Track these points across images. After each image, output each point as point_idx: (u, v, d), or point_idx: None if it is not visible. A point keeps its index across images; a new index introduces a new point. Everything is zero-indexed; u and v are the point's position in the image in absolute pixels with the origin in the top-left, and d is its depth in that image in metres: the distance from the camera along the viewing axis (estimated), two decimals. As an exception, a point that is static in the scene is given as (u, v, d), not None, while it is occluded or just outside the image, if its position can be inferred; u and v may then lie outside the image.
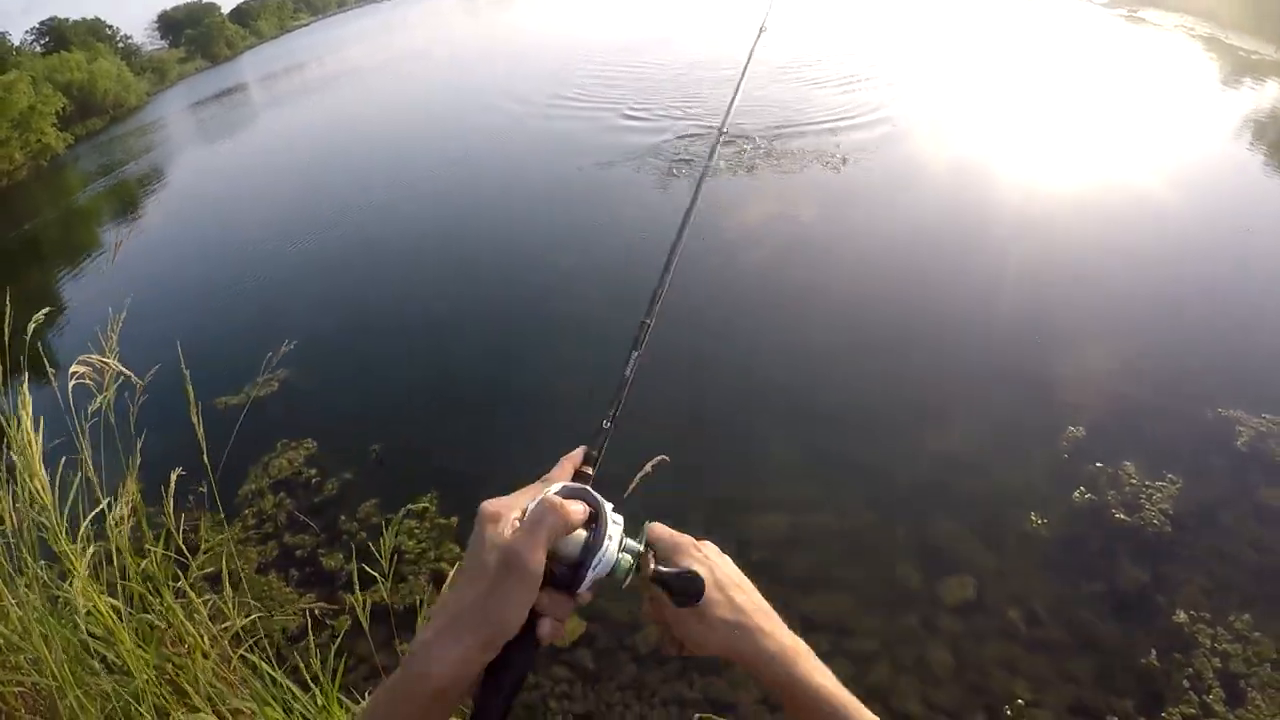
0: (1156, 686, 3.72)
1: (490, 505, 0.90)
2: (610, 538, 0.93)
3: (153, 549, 3.43)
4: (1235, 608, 3.97)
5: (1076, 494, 4.60)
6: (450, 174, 11.20)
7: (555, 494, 0.92)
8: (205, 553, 4.44)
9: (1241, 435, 4.86)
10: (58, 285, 9.58)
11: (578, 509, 0.91)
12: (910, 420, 5.33)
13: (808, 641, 3.49)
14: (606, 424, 1.13)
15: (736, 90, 1.80)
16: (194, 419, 2.81)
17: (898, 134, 9.80)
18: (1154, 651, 3.83)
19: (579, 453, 1.07)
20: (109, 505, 3.41)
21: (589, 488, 0.97)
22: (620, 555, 0.94)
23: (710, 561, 1.05)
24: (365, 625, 2.79)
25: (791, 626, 3.71)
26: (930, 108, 10.88)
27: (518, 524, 0.88)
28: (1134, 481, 4.60)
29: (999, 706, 3.70)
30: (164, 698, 2.81)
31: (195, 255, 9.62)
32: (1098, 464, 4.75)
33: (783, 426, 5.43)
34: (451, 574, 0.99)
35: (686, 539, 1.07)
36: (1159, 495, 4.51)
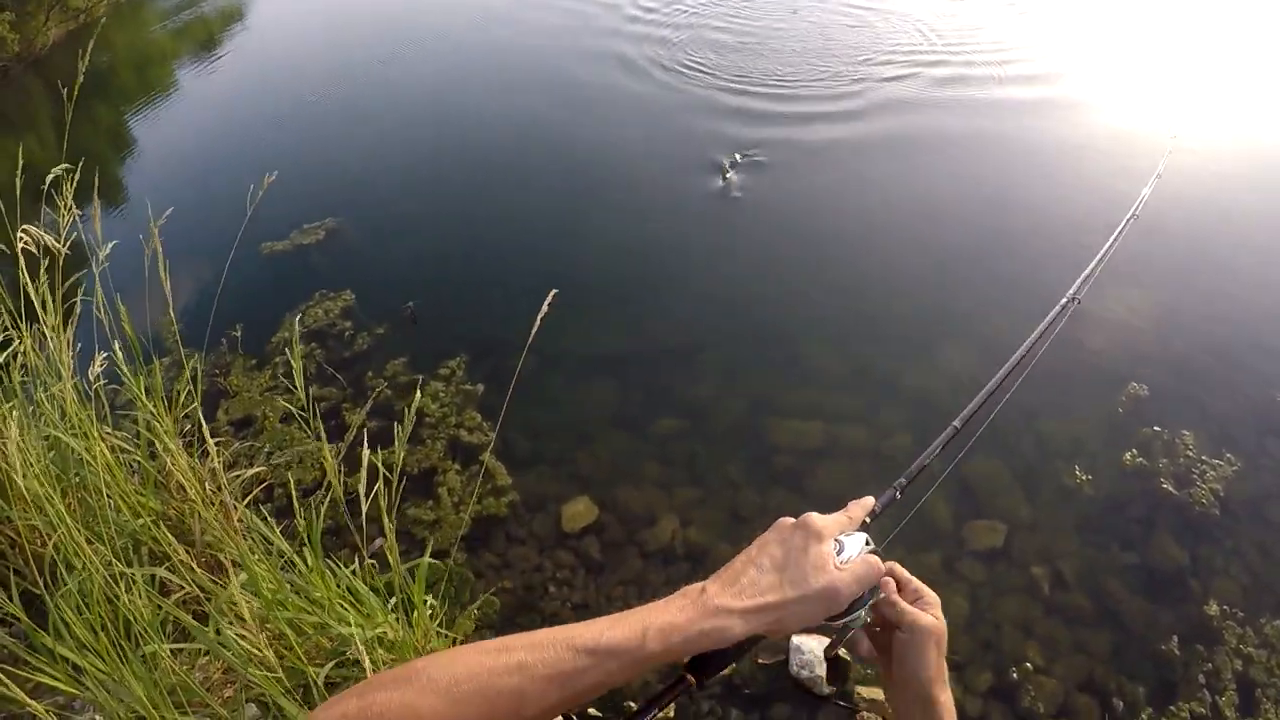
0: (1172, 676, 3.59)
1: (816, 522, 1.01)
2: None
3: (153, 401, 3.38)
4: (1269, 611, 3.79)
5: (1127, 456, 4.38)
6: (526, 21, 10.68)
7: (870, 552, 1.02)
8: (233, 397, 4.36)
9: (1305, 424, 4.59)
10: (123, 123, 9.51)
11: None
12: (966, 351, 5.08)
13: None
14: (898, 493, 1.25)
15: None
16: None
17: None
18: (1176, 639, 3.68)
19: (869, 501, 1.15)
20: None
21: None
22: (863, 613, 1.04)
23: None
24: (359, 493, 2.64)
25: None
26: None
27: (831, 553, 0.99)
28: (1190, 454, 4.37)
29: (1006, 667, 3.61)
30: (162, 541, 2.73)
31: (258, 97, 9.44)
32: (1155, 428, 4.51)
33: (833, 335, 5.23)
34: (756, 551, 1.02)
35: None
36: (1213, 474, 4.28)
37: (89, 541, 2.58)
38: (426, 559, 2.95)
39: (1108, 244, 1.96)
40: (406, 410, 2.69)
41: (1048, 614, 3.78)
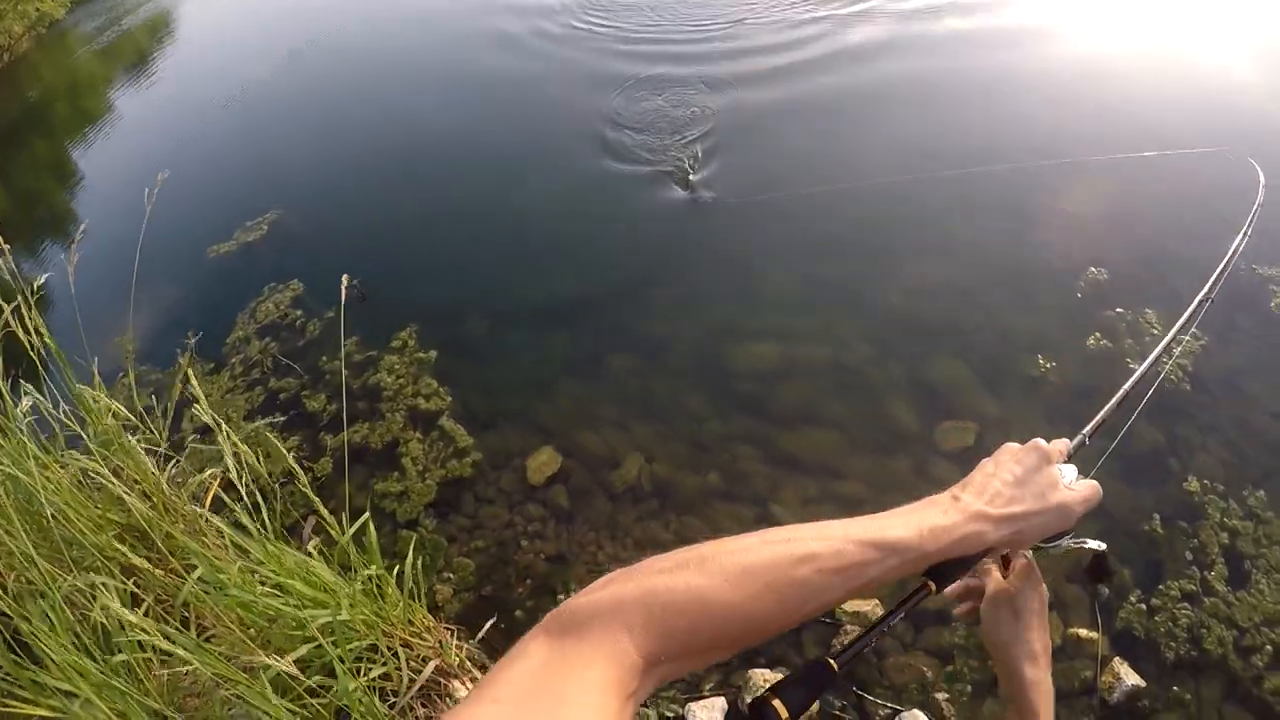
0: (1158, 556, 3.55)
1: (1044, 445, 1.07)
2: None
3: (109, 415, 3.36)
4: (1251, 483, 3.72)
5: (1091, 340, 4.30)
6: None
7: (1084, 480, 1.08)
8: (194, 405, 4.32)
9: (1277, 297, 4.53)
10: (62, 154, 9.39)
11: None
12: (918, 253, 5.02)
13: (790, 484, 3.21)
14: (1086, 440, 1.30)
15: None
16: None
17: None
18: (1159, 519, 3.63)
19: (1066, 441, 1.18)
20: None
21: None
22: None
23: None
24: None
25: (772, 464, 3.47)
26: None
27: (1059, 475, 1.05)
28: (1155, 332, 4.28)
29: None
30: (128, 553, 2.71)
31: (187, 105, 9.29)
32: (1117, 309, 4.41)
33: (782, 253, 5.14)
34: (994, 468, 1.08)
35: None
36: (1180, 350, 4.20)
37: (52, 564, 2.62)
38: (367, 518, 2.92)
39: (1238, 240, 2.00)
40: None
41: (1025, 508, 3.73)
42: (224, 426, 2.88)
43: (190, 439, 4.25)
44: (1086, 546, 1.16)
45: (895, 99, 6.45)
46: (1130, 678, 3.22)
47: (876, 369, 4.33)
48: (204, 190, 6.82)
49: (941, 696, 3.23)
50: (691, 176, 5.65)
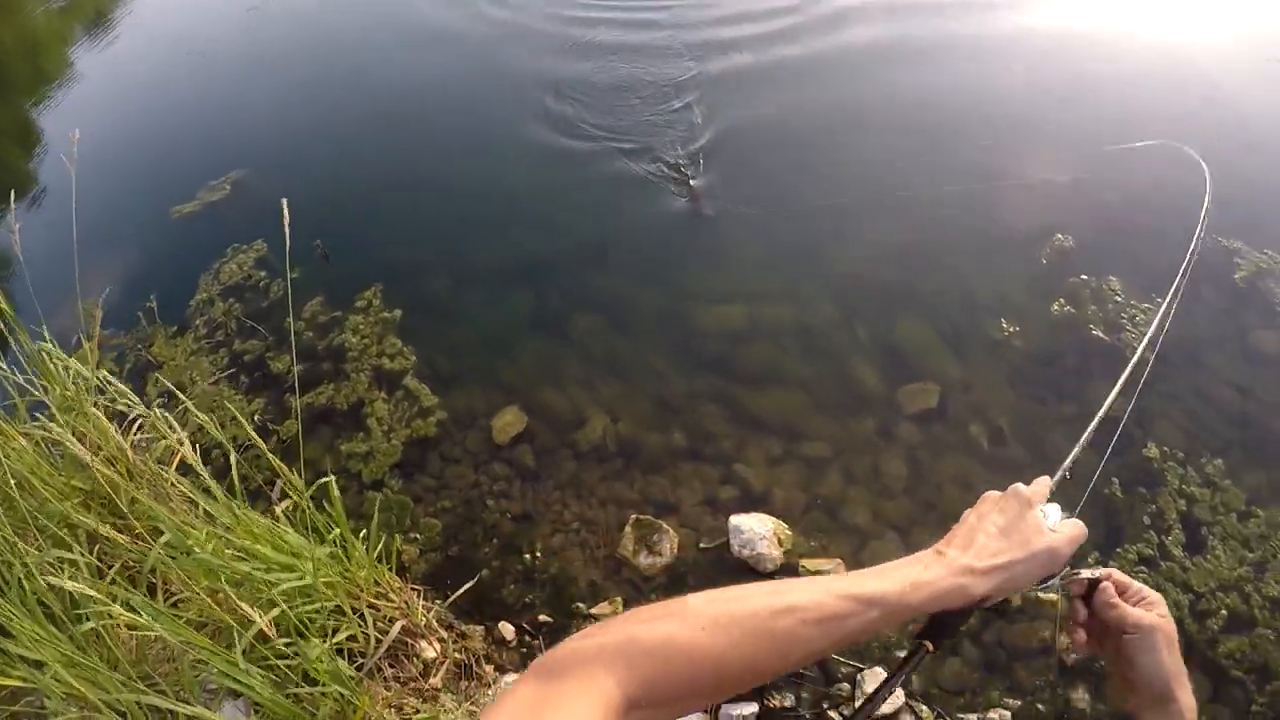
0: (1118, 521, 3.63)
1: (1024, 491, 1.11)
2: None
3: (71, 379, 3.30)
4: (1210, 451, 3.81)
5: (1055, 306, 4.35)
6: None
7: (1068, 519, 1.13)
8: (160, 368, 4.27)
9: (1240, 269, 4.56)
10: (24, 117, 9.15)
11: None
12: (882, 216, 5.02)
13: (755, 444, 3.20)
14: (1067, 474, 1.35)
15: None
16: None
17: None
18: (1118, 484, 3.70)
19: (1046, 479, 1.24)
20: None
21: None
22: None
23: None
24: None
25: (737, 424, 3.48)
26: None
27: (1041, 518, 1.09)
28: (1118, 299, 4.33)
29: (950, 526, 3.56)
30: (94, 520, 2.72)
31: (148, 64, 9.05)
32: (1082, 276, 4.46)
33: (749, 216, 5.08)
34: (977, 520, 1.10)
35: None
36: (1143, 319, 4.26)
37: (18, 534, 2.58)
38: (329, 480, 2.89)
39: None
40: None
41: (989, 469, 3.79)
42: (183, 396, 2.86)
43: (157, 402, 4.19)
44: (1080, 577, 1.15)
45: (864, 65, 6.42)
46: None
47: (841, 331, 4.35)
48: (166, 151, 6.67)
49: (902, 654, 3.25)
50: (673, 159, 5.58)
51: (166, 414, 3.13)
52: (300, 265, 4.91)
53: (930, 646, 1.05)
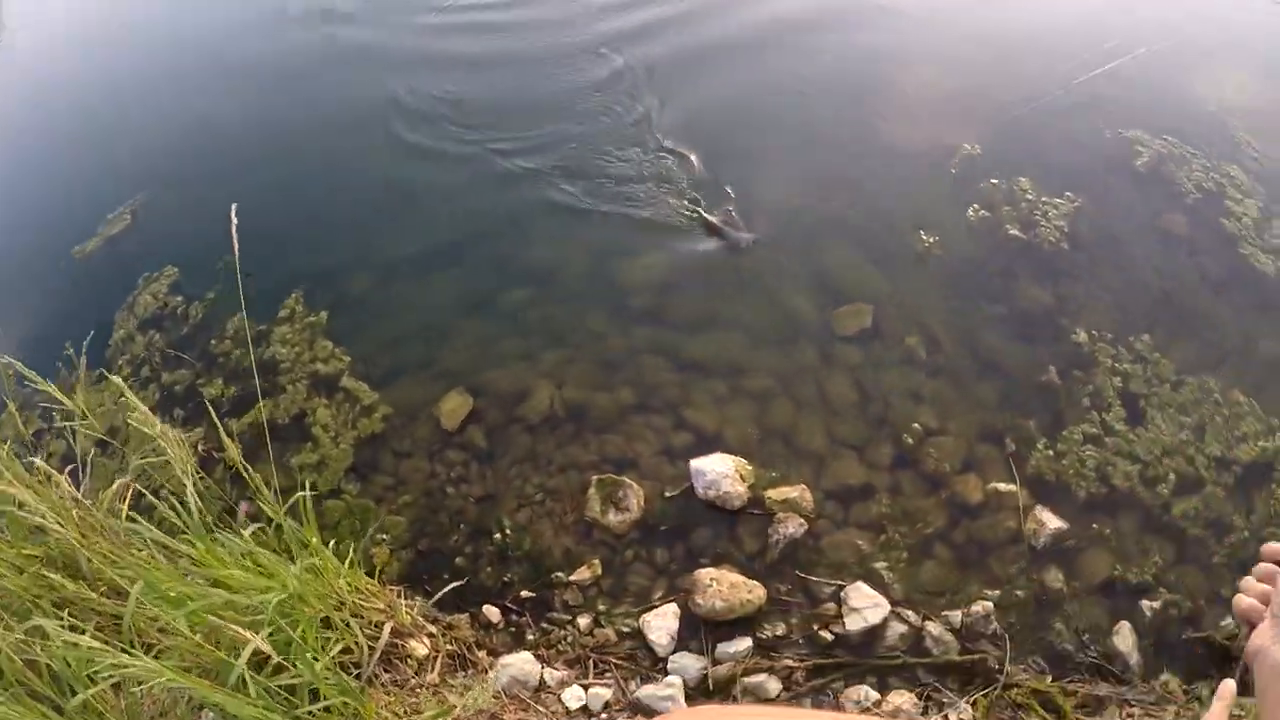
0: (1059, 405, 3.78)
1: None
2: None
3: None
4: (1136, 329, 4.00)
5: (971, 212, 4.46)
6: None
7: None
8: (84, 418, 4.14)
9: (1142, 156, 4.74)
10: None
11: None
12: (789, 142, 5.12)
13: (701, 388, 3.24)
14: None
15: None
16: None
17: None
18: (1055, 371, 3.85)
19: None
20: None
21: None
22: None
23: None
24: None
25: (680, 371, 3.50)
26: None
27: None
28: (1030, 198, 4.48)
29: (904, 437, 3.72)
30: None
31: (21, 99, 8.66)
32: (992, 180, 4.60)
33: (659, 162, 5.06)
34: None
35: None
36: (1055, 213, 4.42)
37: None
38: (306, 493, 2.87)
39: None
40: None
41: (931, 378, 3.89)
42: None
43: (91, 454, 4.07)
44: None
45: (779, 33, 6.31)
46: (1052, 522, 3.42)
47: (767, 264, 4.40)
48: (55, 191, 6.42)
49: (880, 565, 3.36)
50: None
51: (106, 460, 3.05)
52: (214, 285, 4.79)
53: None
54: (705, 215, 4.59)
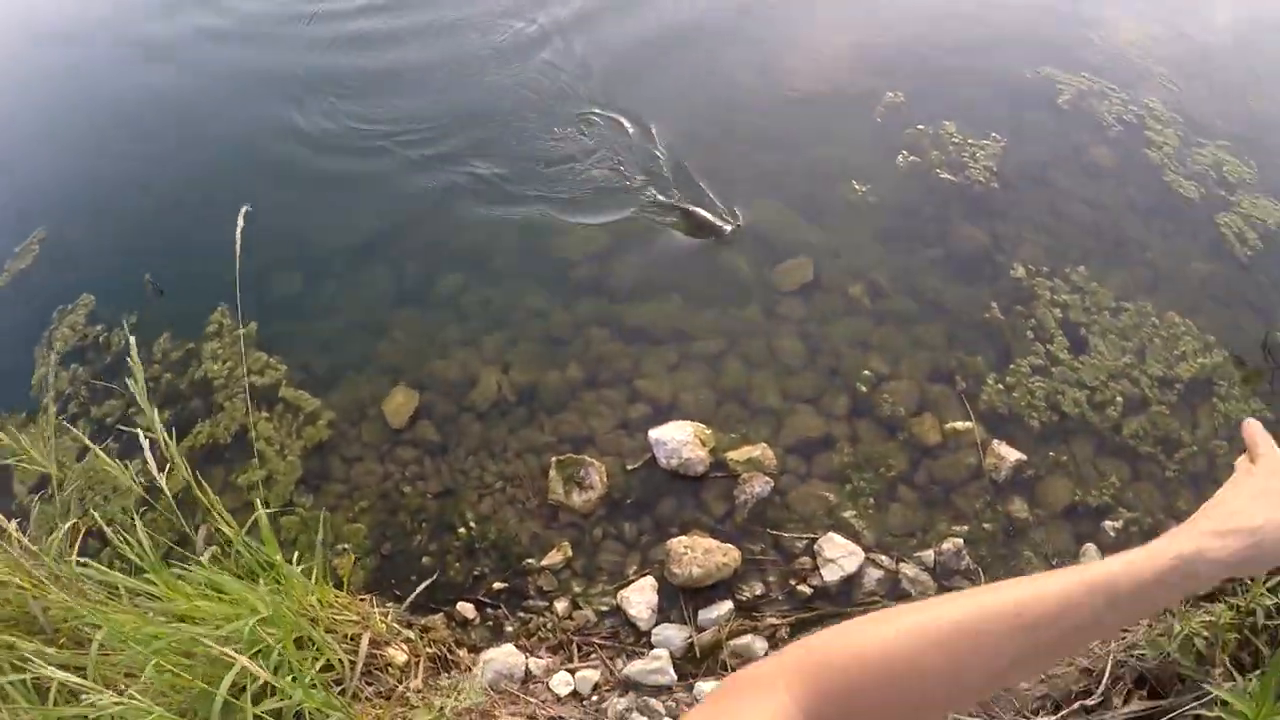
0: (1004, 341, 3.84)
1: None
2: None
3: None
4: (1072, 261, 4.09)
5: (900, 159, 4.50)
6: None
7: None
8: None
9: (1063, 93, 4.85)
10: None
11: None
12: (714, 103, 5.10)
13: (650, 357, 3.12)
14: None
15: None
16: None
17: None
18: (997, 308, 3.91)
19: None
20: None
21: None
22: None
23: None
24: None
25: (627, 342, 3.42)
26: None
27: None
28: (956, 141, 4.55)
29: (857, 385, 3.72)
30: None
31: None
32: (918, 126, 4.64)
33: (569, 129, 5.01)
34: (1230, 484, 0.92)
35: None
36: (983, 154, 4.50)
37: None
38: (261, 513, 2.76)
39: None
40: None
41: (878, 325, 3.91)
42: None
43: (28, 500, 3.88)
44: None
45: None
46: (1011, 454, 3.46)
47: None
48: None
49: (849, 514, 3.37)
50: None
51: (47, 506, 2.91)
52: (135, 307, 4.61)
53: None
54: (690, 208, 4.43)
